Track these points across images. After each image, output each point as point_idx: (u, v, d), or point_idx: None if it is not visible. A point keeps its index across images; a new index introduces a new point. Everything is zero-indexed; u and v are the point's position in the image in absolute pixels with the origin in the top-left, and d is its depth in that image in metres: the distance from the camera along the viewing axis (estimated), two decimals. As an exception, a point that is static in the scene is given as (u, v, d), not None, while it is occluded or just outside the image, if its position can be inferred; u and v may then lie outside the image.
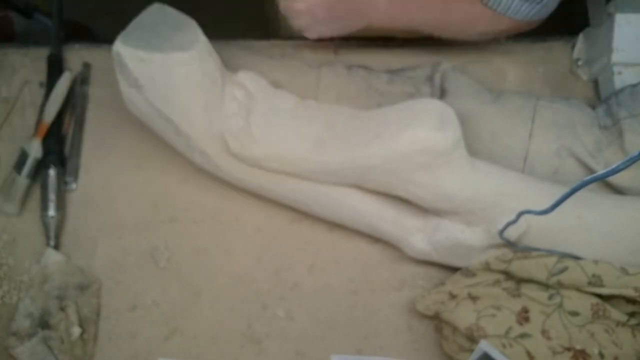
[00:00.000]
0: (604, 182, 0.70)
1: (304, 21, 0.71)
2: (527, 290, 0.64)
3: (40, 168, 0.79)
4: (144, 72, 0.64)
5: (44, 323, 0.72)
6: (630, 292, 0.61)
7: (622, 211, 0.64)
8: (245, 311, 0.74)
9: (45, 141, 0.80)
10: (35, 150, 0.78)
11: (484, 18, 0.70)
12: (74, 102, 0.84)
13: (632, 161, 0.42)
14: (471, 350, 0.64)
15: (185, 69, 0.64)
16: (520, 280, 0.66)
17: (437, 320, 0.70)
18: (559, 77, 0.83)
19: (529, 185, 0.65)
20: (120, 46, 0.64)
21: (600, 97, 0.80)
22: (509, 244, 0.65)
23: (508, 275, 0.67)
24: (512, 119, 0.73)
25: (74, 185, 0.81)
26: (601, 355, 0.60)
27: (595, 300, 0.62)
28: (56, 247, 0.77)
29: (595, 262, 0.63)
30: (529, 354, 0.61)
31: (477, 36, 0.74)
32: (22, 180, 0.77)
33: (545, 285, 0.64)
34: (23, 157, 0.78)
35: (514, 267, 0.65)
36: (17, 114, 0.84)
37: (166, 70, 0.64)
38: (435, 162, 0.62)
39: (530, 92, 0.78)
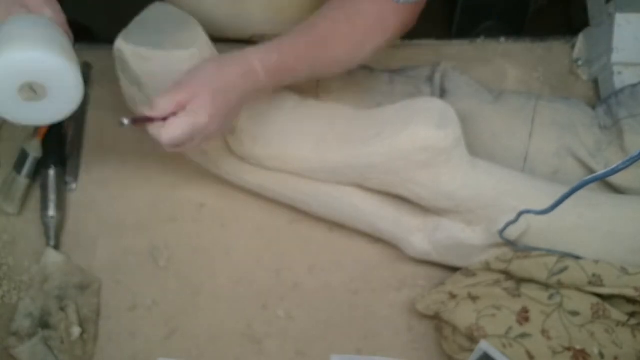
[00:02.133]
0: (604, 182, 0.70)
1: (184, 148, 0.59)
2: (527, 290, 0.64)
3: (40, 168, 0.79)
4: (145, 70, 0.64)
5: (44, 323, 0.72)
6: (630, 292, 0.61)
7: (622, 210, 0.64)
8: (245, 311, 0.74)
9: (45, 141, 0.80)
10: (35, 150, 0.78)
11: (368, 30, 0.64)
12: (74, 102, 0.84)
13: (632, 161, 0.42)
14: (471, 350, 0.64)
15: (186, 66, 0.64)
16: (521, 280, 0.66)
17: (437, 320, 0.70)
18: (559, 77, 0.83)
19: (529, 184, 0.65)
20: (121, 44, 0.64)
21: (600, 97, 0.80)
22: (509, 244, 0.65)
23: (508, 275, 0.67)
24: (512, 119, 0.73)
25: (74, 185, 0.81)
26: (601, 355, 0.60)
27: (595, 300, 0.62)
28: (56, 247, 0.77)
29: (596, 261, 0.63)
30: (529, 353, 0.61)
31: (371, 54, 0.66)
32: (22, 180, 0.77)
33: (545, 285, 0.64)
34: (23, 156, 0.78)
35: (514, 266, 0.65)
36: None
37: (167, 68, 0.64)
38: (436, 161, 0.62)
39: (530, 92, 0.78)
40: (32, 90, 0.55)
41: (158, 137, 0.56)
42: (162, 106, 0.55)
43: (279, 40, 0.61)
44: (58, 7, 0.60)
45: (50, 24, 0.58)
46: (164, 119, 0.56)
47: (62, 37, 0.59)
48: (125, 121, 0.55)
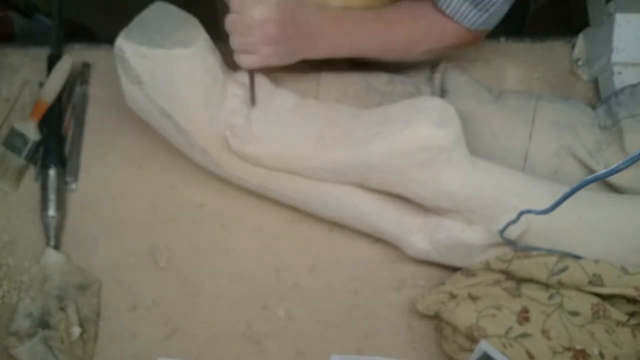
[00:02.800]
0: (604, 182, 0.70)
1: (252, 38, 0.63)
2: (527, 290, 0.64)
3: (40, 168, 0.79)
4: (145, 69, 0.64)
5: (44, 323, 0.72)
6: (630, 292, 0.61)
7: (622, 210, 0.64)
8: (245, 311, 0.74)
9: (45, 141, 0.80)
10: (33, 133, 0.79)
11: (429, 33, 0.69)
12: (74, 102, 0.84)
13: (632, 161, 0.43)
14: (471, 350, 0.64)
15: (187, 65, 0.64)
16: (521, 280, 0.66)
17: (437, 320, 0.70)
18: (559, 77, 0.83)
19: (530, 183, 0.65)
20: (122, 42, 0.64)
21: (600, 97, 0.80)
22: (509, 243, 0.65)
23: (508, 275, 0.67)
24: (512, 119, 0.73)
25: (74, 185, 0.81)
26: (601, 355, 0.60)
27: (595, 300, 0.62)
28: (56, 247, 0.77)
29: (596, 261, 0.63)
30: (529, 353, 0.61)
31: (422, 55, 0.71)
32: (19, 160, 0.79)
33: (545, 285, 0.64)
34: (14, 135, 0.79)
35: (514, 266, 0.65)
36: (17, 114, 0.84)
37: (167, 66, 0.64)
38: (436, 160, 0.62)
39: (530, 92, 0.78)
40: None
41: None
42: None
43: (351, 13, 0.67)
44: None
45: None
46: None
47: None
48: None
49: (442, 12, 0.68)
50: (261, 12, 0.61)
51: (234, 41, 0.64)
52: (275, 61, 0.66)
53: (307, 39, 0.66)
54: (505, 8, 0.67)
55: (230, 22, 0.62)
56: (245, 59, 0.65)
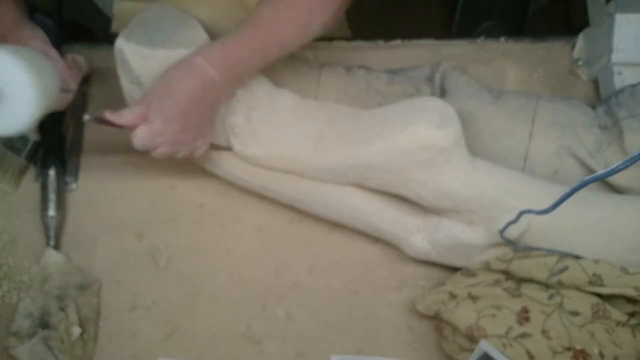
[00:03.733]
0: (604, 182, 0.70)
1: (181, 148, 0.65)
2: (527, 290, 0.64)
3: (40, 167, 0.79)
4: (145, 69, 0.64)
5: (44, 323, 0.72)
6: (630, 292, 0.61)
7: (622, 210, 0.64)
8: (245, 311, 0.74)
9: (45, 141, 0.80)
10: (32, 132, 0.79)
11: (312, 8, 0.65)
12: (74, 102, 0.84)
13: (632, 161, 0.43)
14: (471, 350, 0.64)
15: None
16: (521, 280, 0.66)
17: (437, 320, 0.70)
18: (559, 77, 0.83)
19: (530, 183, 0.65)
20: (122, 42, 0.64)
21: (600, 97, 0.80)
22: (509, 243, 0.65)
23: (508, 275, 0.67)
24: (512, 119, 0.73)
25: (74, 185, 0.81)
26: (601, 355, 0.60)
27: (595, 300, 0.62)
28: (56, 247, 0.77)
29: (596, 261, 0.63)
30: (529, 353, 0.61)
31: (320, 30, 0.67)
32: (19, 160, 0.79)
33: (545, 285, 0.64)
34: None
35: (514, 266, 0.65)
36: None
37: (168, 67, 0.64)
38: (436, 160, 0.62)
39: (530, 92, 0.78)
40: None
41: (135, 146, 0.62)
42: (124, 116, 0.61)
43: (225, 36, 0.64)
44: (55, 53, 0.68)
45: (42, 55, 0.62)
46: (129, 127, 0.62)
47: (44, 63, 0.61)
48: (87, 117, 0.60)
49: None
50: (166, 139, 0.62)
51: (182, 156, 0.65)
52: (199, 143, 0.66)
53: (210, 103, 0.65)
54: None
55: (160, 156, 0.64)
56: (197, 155, 0.66)
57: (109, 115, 0.61)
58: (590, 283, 0.62)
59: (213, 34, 0.68)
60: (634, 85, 0.73)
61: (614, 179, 0.68)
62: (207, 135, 0.67)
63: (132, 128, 0.61)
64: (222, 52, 0.62)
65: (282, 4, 0.64)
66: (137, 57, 0.64)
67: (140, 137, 0.61)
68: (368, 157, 0.64)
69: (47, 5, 0.95)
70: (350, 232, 0.75)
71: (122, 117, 0.61)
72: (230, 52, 0.63)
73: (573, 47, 0.84)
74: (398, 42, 0.86)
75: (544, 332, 0.62)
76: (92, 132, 0.83)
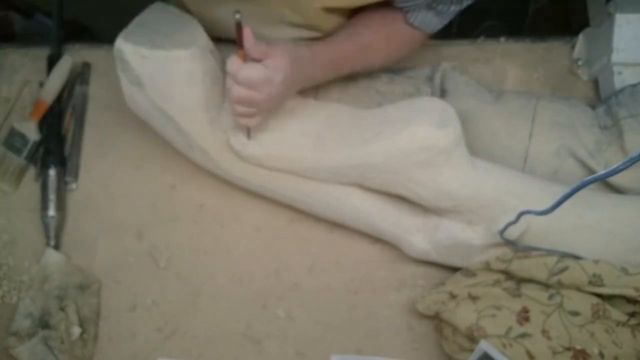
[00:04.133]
0: (604, 182, 0.70)
1: (259, 108, 0.64)
2: (527, 290, 0.64)
3: (40, 167, 0.79)
4: (145, 69, 0.64)
5: (44, 323, 0.72)
6: (630, 292, 0.61)
7: (622, 210, 0.64)
8: (245, 311, 0.74)
9: (45, 141, 0.80)
10: (33, 133, 0.79)
11: (400, 46, 0.73)
12: (74, 102, 0.84)
13: (632, 161, 0.43)
14: (471, 350, 0.64)
15: (187, 66, 0.64)
16: (521, 280, 0.66)
17: (437, 320, 0.70)
18: (559, 77, 0.83)
19: (530, 183, 0.65)
20: (122, 43, 0.64)
21: (600, 97, 0.80)
22: (509, 244, 0.65)
23: (508, 275, 0.67)
24: (512, 119, 0.73)
25: (74, 185, 0.81)
26: (601, 355, 0.60)
27: (595, 300, 0.62)
28: (56, 247, 0.77)
29: (596, 261, 0.63)
30: (529, 353, 0.61)
31: (392, 63, 0.76)
32: (20, 160, 0.79)
33: (545, 285, 0.64)
34: (14, 135, 0.79)
35: (514, 266, 0.65)
36: (17, 114, 0.84)
37: (167, 67, 0.64)
38: (436, 160, 0.62)
39: (530, 92, 0.78)
40: None
41: (237, 71, 0.59)
42: (256, 47, 0.60)
43: (331, 41, 0.69)
44: None
45: None
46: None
47: None
48: (237, 16, 0.56)
49: (411, 25, 0.71)
50: (268, 92, 0.61)
51: (240, 110, 0.63)
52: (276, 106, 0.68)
53: (301, 86, 0.68)
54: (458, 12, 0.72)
55: (236, 96, 0.61)
56: (247, 122, 0.65)
57: (248, 34, 0.58)
58: (590, 283, 0.62)
59: (213, 34, 0.68)
60: (634, 85, 0.73)
61: (614, 179, 0.68)
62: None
63: (249, 58, 0.60)
64: (330, 56, 0.68)
65: (381, 34, 0.70)
66: (137, 58, 0.64)
67: (257, 73, 0.59)
68: (368, 157, 0.64)
69: (47, 5, 0.95)
70: (350, 232, 0.75)
71: (257, 46, 0.59)
72: (334, 58, 0.68)
73: (573, 47, 0.84)
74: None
75: (544, 332, 0.62)
76: (92, 132, 0.83)
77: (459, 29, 1.21)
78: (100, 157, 0.82)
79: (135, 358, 0.73)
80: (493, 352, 0.61)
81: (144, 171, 0.81)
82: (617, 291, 0.62)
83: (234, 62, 0.60)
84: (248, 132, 0.68)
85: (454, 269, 0.71)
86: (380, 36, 0.71)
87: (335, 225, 0.75)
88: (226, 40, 0.72)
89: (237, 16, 0.55)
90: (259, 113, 0.64)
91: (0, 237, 0.78)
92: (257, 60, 0.60)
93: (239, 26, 0.57)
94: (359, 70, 0.74)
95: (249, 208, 0.78)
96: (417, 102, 0.64)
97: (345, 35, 0.70)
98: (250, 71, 0.59)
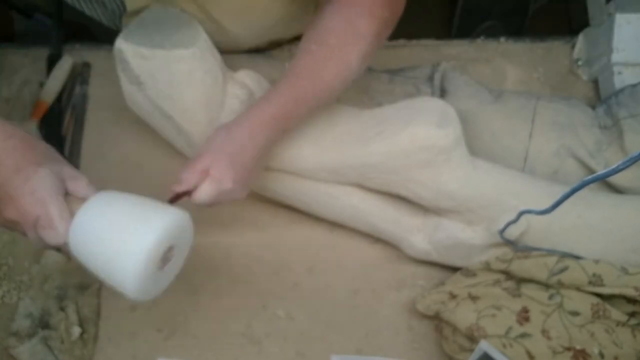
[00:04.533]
0: (604, 182, 0.70)
1: (231, 195, 0.61)
2: (527, 290, 0.64)
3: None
4: (145, 69, 0.64)
5: (44, 323, 0.72)
6: (630, 292, 0.61)
7: (622, 210, 0.64)
8: (245, 311, 0.74)
9: (45, 140, 0.80)
10: (32, 132, 0.79)
11: (343, 45, 0.63)
12: (74, 102, 0.84)
13: (632, 161, 0.43)
14: (471, 350, 0.64)
15: (187, 66, 0.64)
16: (521, 280, 0.66)
17: (437, 320, 0.70)
18: (559, 77, 0.83)
19: (530, 183, 0.65)
20: (122, 43, 0.64)
21: (600, 97, 0.80)
22: (509, 244, 0.65)
23: (508, 275, 0.67)
24: (512, 119, 0.73)
25: (74, 185, 0.80)
26: (601, 355, 0.60)
27: (595, 300, 0.62)
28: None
29: (596, 261, 0.63)
30: (529, 353, 0.61)
31: (359, 64, 0.64)
32: None
33: (545, 285, 0.64)
34: None
35: (514, 266, 0.65)
36: (17, 114, 0.84)
37: (167, 67, 0.64)
38: (436, 160, 0.62)
39: (530, 92, 0.78)
40: (165, 256, 0.53)
41: (193, 201, 0.60)
42: (188, 178, 0.59)
43: (275, 90, 0.63)
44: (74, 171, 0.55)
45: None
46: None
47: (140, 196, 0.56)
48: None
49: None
50: (230, 196, 0.60)
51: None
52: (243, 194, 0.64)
53: (260, 158, 0.63)
54: None
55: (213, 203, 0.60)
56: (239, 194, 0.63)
57: (177, 189, 0.59)
58: (590, 283, 0.62)
59: (213, 34, 0.68)
60: (634, 85, 0.73)
61: (614, 179, 0.68)
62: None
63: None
64: (279, 110, 0.61)
65: (322, 53, 0.63)
66: (137, 57, 0.64)
67: (205, 194, 0.59)
68: (368, 157, 0.64)
69: (47, 5, 0.95)
70: (350, 232, 0.75)
71: (186, 181, 0.59)
72: (277, 106, 0.61)
73: (573, 47, 0.84)
74: (398, 42, 0.86)
75: (544, 332, 0.62)
76: (92, 132, 0.83)
77: (459, 29, 1.21)
78: (100, 157, 0.82)
79: (135, 358, 0.73)
80: (493, 352, 0.61)
81: (144, 171, 0.81)
82: (617, 291, 0.62)
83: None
84: None
85: (454, 269, 0.71)
86: (316, 53, 0.63)
87: (335, 225, 0.75)
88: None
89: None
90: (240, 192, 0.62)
91: (0, 237, 0.78)
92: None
93: (172, 201, 0.59)
94: (324, 100, 0.65)
95: (249, 208, 0.78)
96: (417, 102, 0.64)
97: (291, 76, 0.63)
98: (200, 198, 0.59)
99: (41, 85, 0.83)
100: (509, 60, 0.84)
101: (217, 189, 0.59)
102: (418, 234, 0.70)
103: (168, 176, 0.80)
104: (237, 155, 0.60)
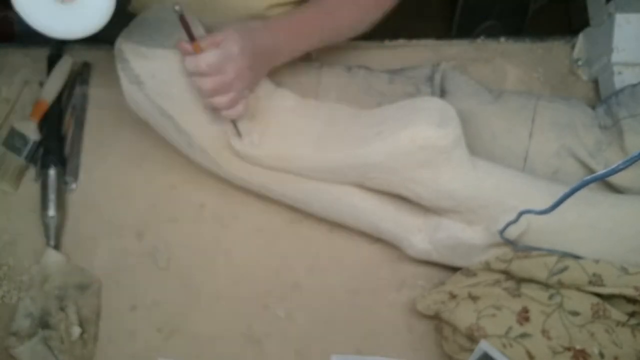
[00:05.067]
0: (604, 182, 0.70)
1: (235, 92, 0.64)
2: (527, 290, 0.64)
3: (40, 167, 0.79)
4: (145, 69, 0.64)
5: (44, 323, 0.72)
6: (630, 292, 0.61)
7: (622, 209, 0.64)
8: (245, 311, 0.74)
9: (45, 141, 0.80)
10: (33, 132, 0.79)
11: (369, 8, 0.73)
12: (74, 102, 0.84)
13: (632, 161, 0.43)
14: (471, 350, 0.64)
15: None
16: (521, 280, 0.66)
17: (437, 320, 0.70)
18: (559, 77, 0.83)
19: (530, 183, 0.65)
20: (122, 42, 0.64)
21: (600, 97, 0.80)
22: (509, 243, 0.65)
23: (508, 275, 0.67)
24: (512, 119, 0.73)
25: (74, 185, 0.81)
26: (601, 355, 0.60)
27: (595, 300, 0.62)
28: (56, 247, 0.77)
29: (596, 261, 0.63)
30: (529, 353, 0.61)
31: (366, 28, 0.75)
32: (19, 160, 0.79)
33: (545, 285, 0.64)
34: (14, 135, 0.79)
35: (514, 266, 0.65)
36: (17, 114, 0.84)
37: (167, 66, 0.64)
38: (436, 160, 0.62)
39: (530, 92, 0.78)
40: None
41: (196, 65, 0.61)
42: (205, 35, 0.62)
43: (290, 10, 0.71)
44: None
45: None
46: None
47: None
48: (177, 7, 0.56)
49: None
50: (233, 69, 0.62)
51: (220, 101, 0.64)
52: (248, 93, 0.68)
53: (269, 60, 0.69)
54: None
55: (208, 88, 0.62)
56: (232, 112, 0.65)
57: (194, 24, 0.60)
58: (591, 283, 0.62)
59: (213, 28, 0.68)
60: (634, 85, 0.73)
61: (614, 179, 0.68)
62: (253, 90, 0.69)
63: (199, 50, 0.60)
64: (290, 24, 0.69)
65: None
66: (137, 57, 0.64)
67: (214, 55, 0.60)
68: (368, 156, 0.64)
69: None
70: (350, 232, 0.75)
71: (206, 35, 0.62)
72: (297, 26, 0.69)
73: (573, 47, 0.84)
74: (398, 42, 0.86)
75: (544, 332, 0.62)
76: (92, 132, 0.83)
77: (459, 28, 1.21)
78: (100, 157, 0.82)
79: (135, 358, 0.73)
80: (493, 352, 0.61)
81: (144, 171, 0.81)
82: (617, 291, 0.62)
83: (189, 61, 0.61)
84: (236, 127, 0.67)
85: (454, 269, 0.71)
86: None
87: (335, 225, 0.75)
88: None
89: (177, 7, 0.55)
90: (237, 98, 0.64)
91: (0, 237, 0.78)
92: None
93: (182, 18, 0.57)
94: (331, 39, 0.74)
95: (249, 208, 0.78)
96: (417, 102, 0.64)
97: (308, 3, 0.71)
98: (207, 57, 0.60)
99: (41, 85, 0.83)
100: (509, 60, 0.84)
101: (225, 52, 0.61)
102: (418, 234, 0.70)
103: (168, 176, 0.80)
104: (248, 34, 0.63)
